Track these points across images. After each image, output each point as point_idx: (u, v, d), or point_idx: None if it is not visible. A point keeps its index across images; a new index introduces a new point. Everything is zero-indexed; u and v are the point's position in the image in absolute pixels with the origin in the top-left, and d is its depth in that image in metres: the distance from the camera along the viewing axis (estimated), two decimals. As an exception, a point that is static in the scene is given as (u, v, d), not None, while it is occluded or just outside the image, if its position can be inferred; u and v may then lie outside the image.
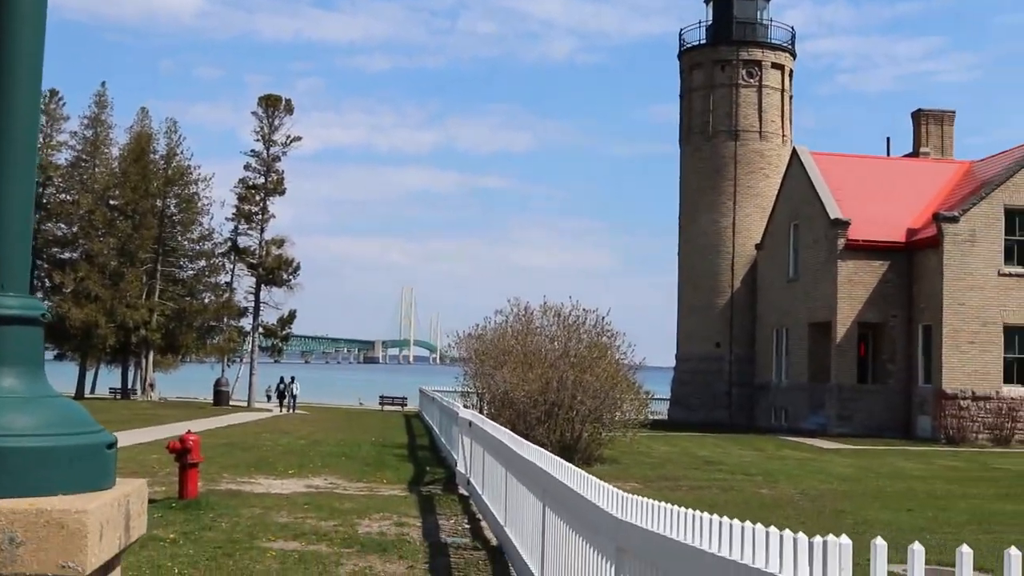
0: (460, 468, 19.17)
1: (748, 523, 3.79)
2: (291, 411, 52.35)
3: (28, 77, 2.90)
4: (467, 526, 14.57)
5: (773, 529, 3.63)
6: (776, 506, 17.96)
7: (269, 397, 61.23)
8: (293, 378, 55.64)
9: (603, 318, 25.41)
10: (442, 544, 12.92)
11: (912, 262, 41.67)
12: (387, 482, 19.83)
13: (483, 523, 14.64)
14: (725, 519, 3.98)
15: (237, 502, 15.84)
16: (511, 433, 13.18)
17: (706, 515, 4.21)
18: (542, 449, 9.80)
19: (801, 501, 18.90)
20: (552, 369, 23.35)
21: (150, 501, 14.79)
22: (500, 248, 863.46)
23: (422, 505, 16.57)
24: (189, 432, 15.32)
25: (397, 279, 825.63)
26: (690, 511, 4.42)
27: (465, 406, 24.08)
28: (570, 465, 7.86)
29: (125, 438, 28.81)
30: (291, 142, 60.07)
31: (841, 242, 41.75)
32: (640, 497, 5.34)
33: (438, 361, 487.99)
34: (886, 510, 17.79)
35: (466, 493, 17.79)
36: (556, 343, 24.46)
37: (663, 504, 4.83)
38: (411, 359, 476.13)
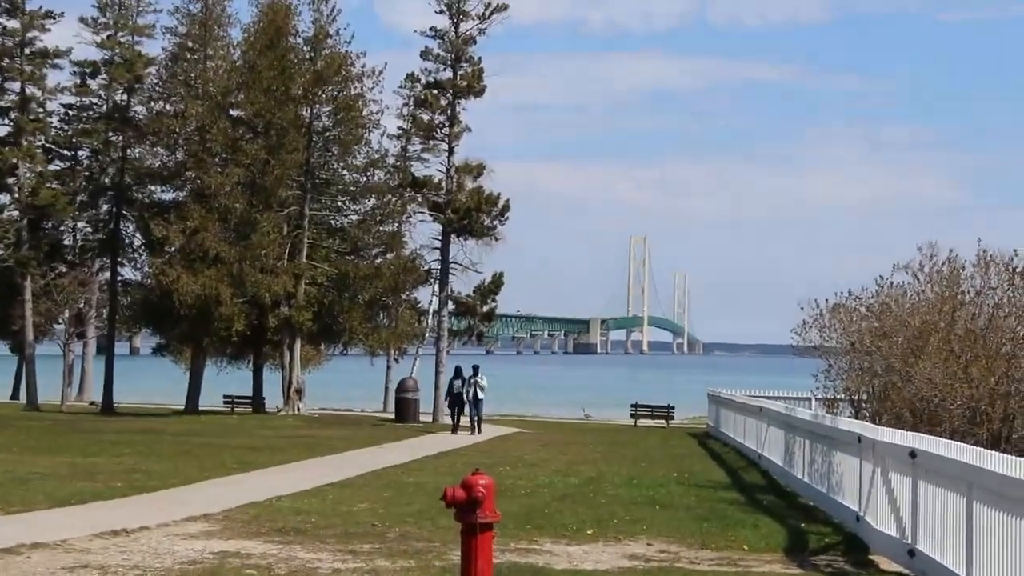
0: (878, 527, 18.59)
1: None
2: (474, 431, 45.68)
3: None
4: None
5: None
6: None
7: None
8: (476, 369, 46.78)
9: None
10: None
11: None
12: (749, 548, 18.76)
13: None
14: None
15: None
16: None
17: None
18: None
19: None
20: (1008, 361, 21.49)
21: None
22: (776, 176, 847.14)
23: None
24: (479, 472, 13.94)
25: (622, 226, 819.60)
26: None
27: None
28: None
29: (302, 478, 28.25)
30: (492, 13, 57.83)
31: None
32: None
33: (686, 348, 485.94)
34: None
35: (905, 571, 16.79)
36: (1013, 318, 22.50)
37: None
38: (645, 346, 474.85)
